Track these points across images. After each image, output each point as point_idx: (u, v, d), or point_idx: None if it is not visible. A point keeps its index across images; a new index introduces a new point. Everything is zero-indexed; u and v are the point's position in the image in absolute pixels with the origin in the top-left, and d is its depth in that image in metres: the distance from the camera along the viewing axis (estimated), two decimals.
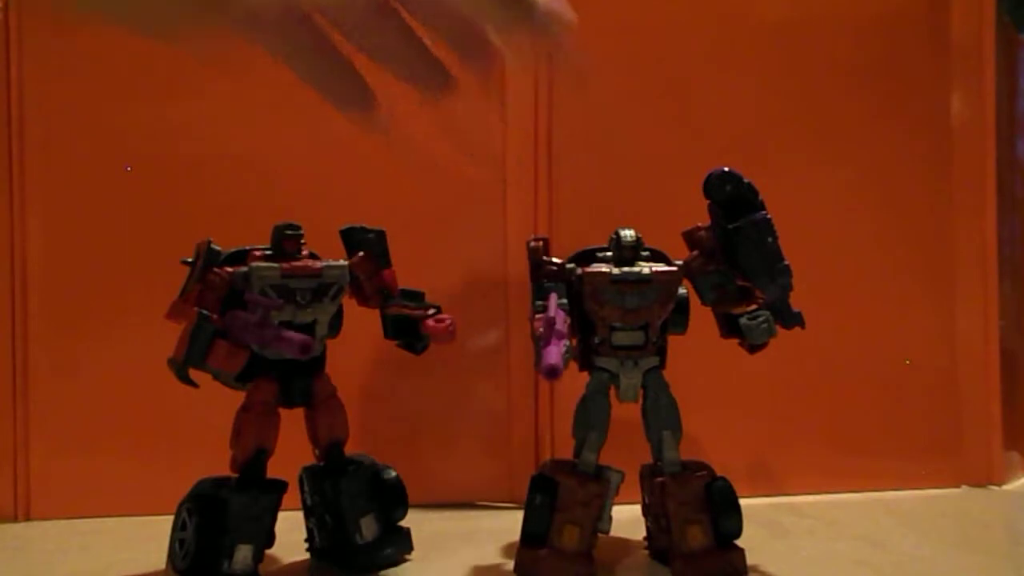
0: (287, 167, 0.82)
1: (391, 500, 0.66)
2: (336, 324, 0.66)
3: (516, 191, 0.84)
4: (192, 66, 0.81)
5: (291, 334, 0.56)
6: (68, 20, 0.78)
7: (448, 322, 0.65)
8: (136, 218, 0.81)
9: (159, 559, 0.67)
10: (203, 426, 0.80)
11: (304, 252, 0.64)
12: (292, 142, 0.82)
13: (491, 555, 0.69)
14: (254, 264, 0.62)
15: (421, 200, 0.84)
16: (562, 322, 0.58)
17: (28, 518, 0.80)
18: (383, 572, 0.65)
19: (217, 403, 0.78)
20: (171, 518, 0.63)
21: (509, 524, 0.73)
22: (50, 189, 0.80)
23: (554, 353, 0.55)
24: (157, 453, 0.80)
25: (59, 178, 0.81)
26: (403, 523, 0.67)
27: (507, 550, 0.69)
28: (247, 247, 0.64)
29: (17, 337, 0.80)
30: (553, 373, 0.54)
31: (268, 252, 0.64)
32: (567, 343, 0.57)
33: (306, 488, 0.67)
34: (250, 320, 0.58)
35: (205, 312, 0.59)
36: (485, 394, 0.84)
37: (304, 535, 0.68)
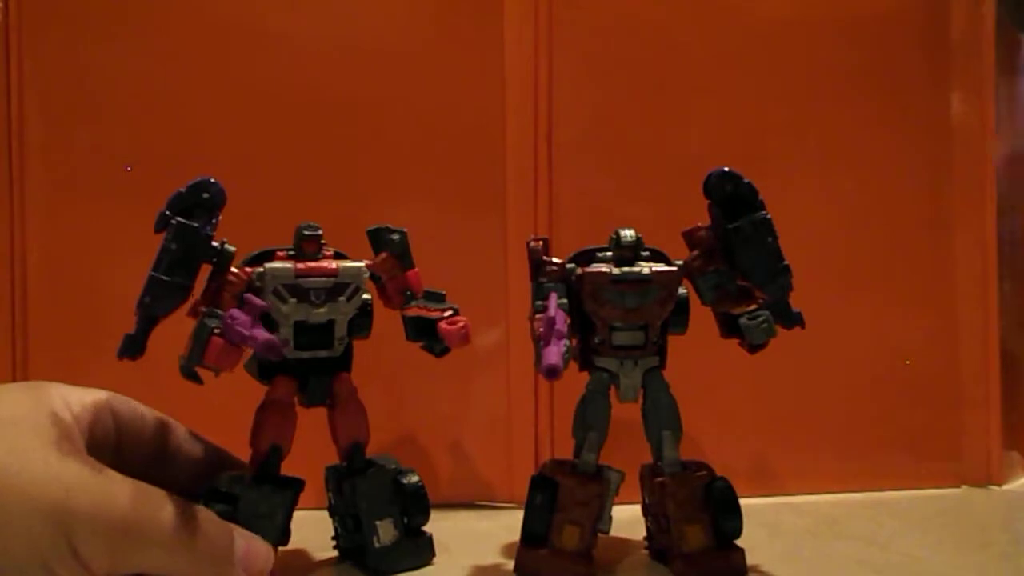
0: (289, 171, 0.82)
1: (411, 505, 0.66)
2: (364, 324, 0.65)
3: (516, 190, 0.84)
4: (199, 67, 0.82)
5: (257, 334, 0.56)
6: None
7: (461, 324, 0.65)
8: (137, 217, 0.80)
9: None
10: (203, 427, 0.80)
11: (328, 252, 0.65)
12: (292, 147, 0.83)
13: (491, 555, 0.69)
14: (268, 264, 0.63)
15: (421, 199, 0.84)
16: (562, 322, 0.58)
17: None
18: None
19: (218, 404, 0.78)
20: None
21: (509, 524, 0.73)
22: (50, 188, 0.80)
23: (554, 353, 0.55)
24: None
25: (60, 177, 0.81)
26: None
27: (507, 550, 0.69)
28: (272, 248, 0.64)
29: (17, 337, 0.80)
30: (553, 373, 0.54)
31: (292, 252, 0.64)
32: (567, 343, 0.57)
33: (331, 487, 0.67)
34: (236, 319, 0.58)
35: (207, 310, 0.59)
36: (485, 394, 0.84)
37: (332, 533, 0.68)
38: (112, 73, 0.81)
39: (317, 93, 0.83)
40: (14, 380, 0.79)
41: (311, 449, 0.65)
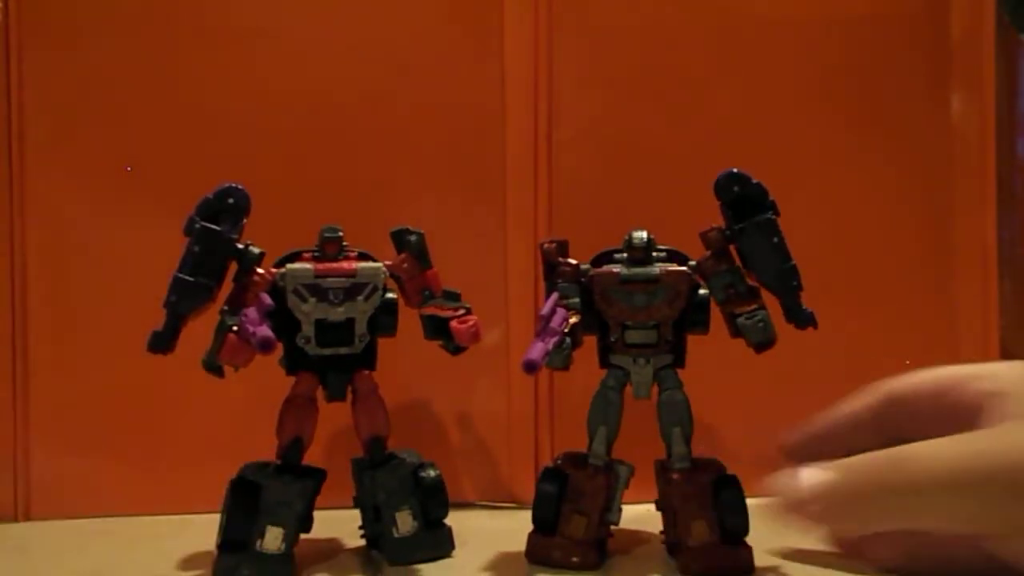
0: (289, 170, 0.82)
1: (429, 498, 0.68)
2: (389, 323, 0.67)
3: (516, 191, 0.84)
4: (200, 68, 0.82)
5: (259, 331, 0.59)
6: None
7: (471, 323, 0.68)
8: (137, 217, 0.81)
9: (159, 559, 0.68)
10: (204, 426, 0.80)
11: (352, 253, 0.67)
12: (292, 146, 0.83)
13: (491, 555, 0.69)
14: (289, 265, 0.66)
15: (419, 200, 0.84)
16: (560, 321, 0.60)
17: (28, 518, 0.80)
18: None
19: (218, 404, 0.79)
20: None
21: (509, 524, 0.74)
22: (50, 188, 0.80)
23: (537, 349, 0.58)
24: (158, 453, 0.80)
25: (60, 177, 0.80)
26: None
27: (507, 550, 0.69)
28: (300, 249, 0.67)
29: (17, 337, 0.80)
30: (531, 368, 0.57)
31: (316, 254, 0.67)
32: (559, 341, 0.60)
33: (355, 479, 0.70)
34: (248, 316, 0.60)
35: (228, 308, 0.63)
36: (485, 394, 0.84)
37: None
38: (113, 73, 0.81)
39: (317, 93, 0.83)
40: (13, 380, 0.79)
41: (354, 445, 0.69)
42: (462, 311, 0.68)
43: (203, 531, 0.68)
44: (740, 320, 0.65)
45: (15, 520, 0.79)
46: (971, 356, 0.88)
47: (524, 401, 0.84)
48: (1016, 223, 0.93)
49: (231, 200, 0.64)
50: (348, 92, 0.83)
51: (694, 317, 0.66)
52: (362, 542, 0.70)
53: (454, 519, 0.69)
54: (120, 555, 0.70)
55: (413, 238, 0.68)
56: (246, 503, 0.63)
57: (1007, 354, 0.90)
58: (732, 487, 0.65)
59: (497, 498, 0.84)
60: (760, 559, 0.65)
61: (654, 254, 0.66)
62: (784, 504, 0.56)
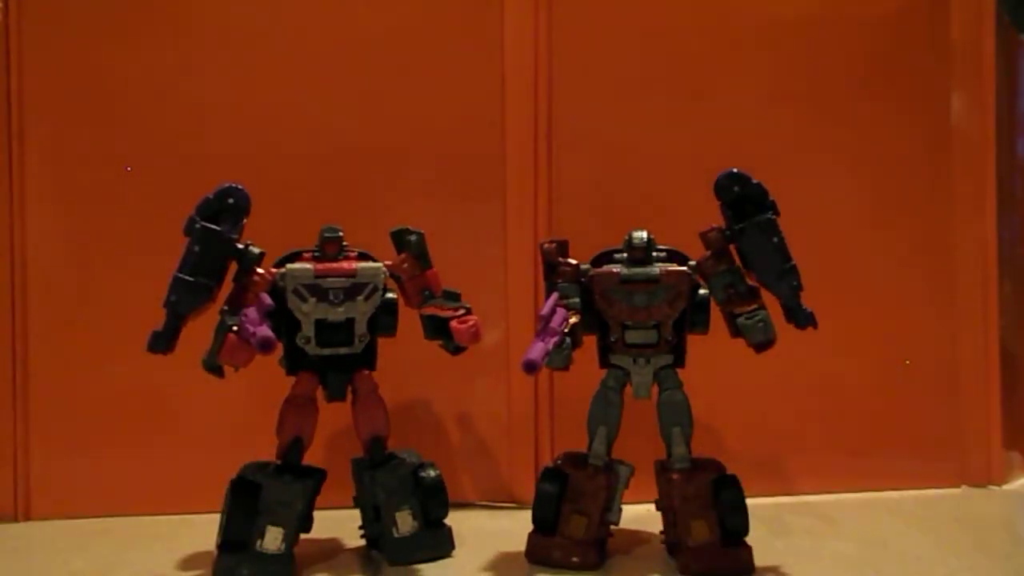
0: (291, 169, 0.82)
1: (430, 498, 0.68)
2: (389, 323, 0.68)
3: (516, 192, 0.84)
4: (199, 67, 0.82)
5: (259, 331, 0.59)
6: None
7: (471, 323, 0.68)
8: (136, 217, 0.81)
9: (159, 559, 0.68)
10: (203, 426, 0.80)
11: (352, 253, 0.68)
12: (294, 144, 0.83)
13: (491, 555, 0.69)
14: (289, 265, 0.66)
15: (420, 201, 0.84)
16: (560, 321, 0.60)
17: (28, 518, 0.80)
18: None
19: (218, 404, 0.79)
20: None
21: (509, 524, 0.74)
22: (50, 188, 0.80)
23: (537, 349, 0.58)
24: (158, 453, 0.80)
25: (60, 177, 0.80)
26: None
27: (507, 550, 0.69)
28: (300, 249, 0.67)
29: (17, 337, 0.80)
30: (531, 368, 0.57)
31: (316, 254, 0.67)
32: (559, 341, 0.60)
33: (355, 478, 0.70)
34: (247, 316, 0.60)
35: (228, 308, 0.64)
36: (485, 394, 0.84)
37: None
38: (113, 73, 0.81)
39: (317, 93, 0.83)
40: (14, 380, 0.79)
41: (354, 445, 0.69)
42: (462, 311, 0.68)
43: (203, 531, 0.68)
44: (740, 320, 0.65)
45: (15, 520, 0.79)
46: (971, 356, 0.88)
47: (524, 401, 0.84)
48: (1016, 223, 0.93)
49: (231, 200, 0.64)
50: (348, 92, 0.83)
51: (694, 317, 0.66)
52: (362, 542, 0.70)
53: (454, 519, 0.69)
54: (120, 555, 0.70)
55: (413, 238, 0.68)
56: (246, 503, 0.63)
57: (1007, 354, 0.90)
58: (732, 487, 0.65)
59: (497, 498, 0.84)
60: (760, 559, 0.65)
61: (654, 254, 0.66)
62: None
